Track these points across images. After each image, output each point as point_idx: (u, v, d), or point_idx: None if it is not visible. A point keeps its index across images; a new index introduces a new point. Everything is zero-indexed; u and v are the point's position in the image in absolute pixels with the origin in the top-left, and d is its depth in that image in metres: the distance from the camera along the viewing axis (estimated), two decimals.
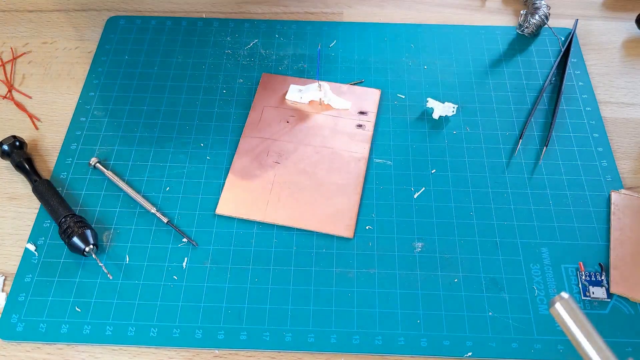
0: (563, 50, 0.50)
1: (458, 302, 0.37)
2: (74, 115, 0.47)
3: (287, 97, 0.47)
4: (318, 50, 0.49)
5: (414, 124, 0.46)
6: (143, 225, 0.41)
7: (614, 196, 0.42)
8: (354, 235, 0.40)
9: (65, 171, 0.43)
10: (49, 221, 0.41)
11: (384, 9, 0.55)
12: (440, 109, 0.46)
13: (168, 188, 0.42)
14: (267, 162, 0.43)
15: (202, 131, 0.45)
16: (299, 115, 0.46)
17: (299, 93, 0.47)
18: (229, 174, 0.43)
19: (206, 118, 0.46)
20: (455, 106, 0.46)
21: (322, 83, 0.46)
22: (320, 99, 0.46)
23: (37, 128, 0.46)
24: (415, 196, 0.42)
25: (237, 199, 0.41)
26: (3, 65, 0.50)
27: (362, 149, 0.44)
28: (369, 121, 0.46)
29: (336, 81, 0.48)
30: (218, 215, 0.41)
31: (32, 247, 0.39)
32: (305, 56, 0.50)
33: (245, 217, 0.41)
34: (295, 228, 0.40)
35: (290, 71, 0.49)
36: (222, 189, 0.42)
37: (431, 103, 0.46)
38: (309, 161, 0.43)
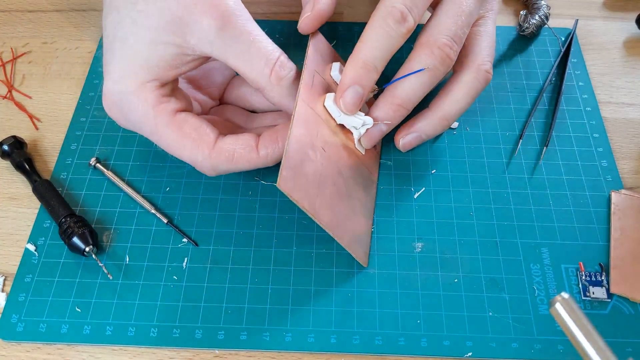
0: (563, 50, 0.50)
1: (458, 302, 0.37)
2: (74, 115, 0.46)
3: (325, 103, 0.38)
4: None
5: None
6: (143, 225, 0.41)
7: (614, 196, 0.42)
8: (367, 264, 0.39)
9: (65, 171, 0.43)
10: (49, 221, 0.41)
11: None
12: None
13: (168, 188, 0.42)
14: (316, 144, 0.36)
15: None
16: None
17: (338, 110, 0.38)
18: (291, 138, 0.34)
19: None
20: None
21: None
22: (355, 138, 0.40)
23: (37, 128, 0.46)
24: (415, 196, 0.42)
25: (298, 174, 0.34)
26: (3, 65, 0.50)
27: (374, 171, 0.42)
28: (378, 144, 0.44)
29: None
30: (218, 215, 0.41)
31: (32, 247, 0.39)
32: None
33: (299, 201, 0.33)
34: (295, 228, 0.40)
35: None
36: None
37: None
38: (344, 165, 0.39)
